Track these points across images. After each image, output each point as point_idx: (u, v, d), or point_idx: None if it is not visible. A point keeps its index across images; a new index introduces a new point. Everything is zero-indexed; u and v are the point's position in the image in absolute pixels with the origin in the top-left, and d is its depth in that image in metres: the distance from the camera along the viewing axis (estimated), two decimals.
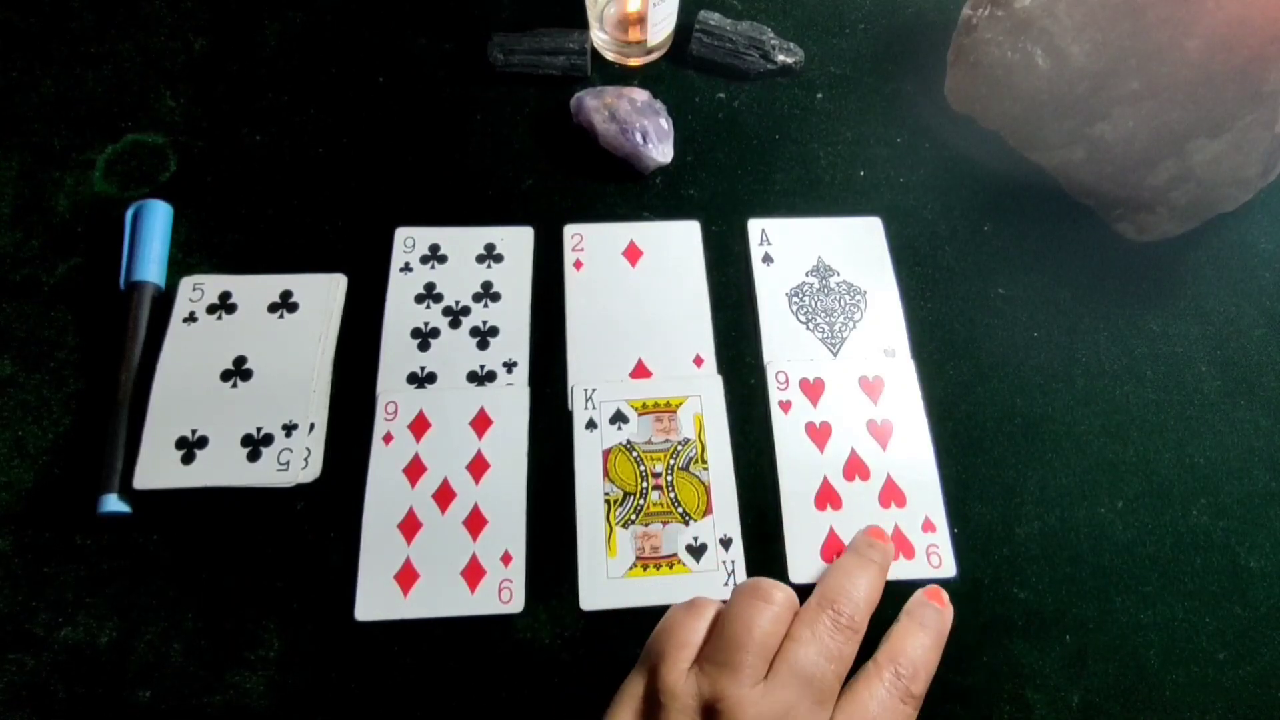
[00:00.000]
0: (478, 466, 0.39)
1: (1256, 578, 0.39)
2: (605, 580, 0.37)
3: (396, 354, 0.42)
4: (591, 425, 0.40)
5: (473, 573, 0.37)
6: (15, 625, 0.36)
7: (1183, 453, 0.42)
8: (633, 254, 0.45)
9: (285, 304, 0.43)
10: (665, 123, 0.48)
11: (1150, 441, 0.42)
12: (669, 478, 0.40)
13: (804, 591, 0.34)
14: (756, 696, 0.29)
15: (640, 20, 0.49)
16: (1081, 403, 0.43)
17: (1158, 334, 0.45)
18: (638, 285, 0.45)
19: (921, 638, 0.33)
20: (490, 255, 0.45)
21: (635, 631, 0.34)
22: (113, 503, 0.38)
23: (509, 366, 0.42)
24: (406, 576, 0.37)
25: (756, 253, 0.46)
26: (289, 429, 0.39)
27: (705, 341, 0.43)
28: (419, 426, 0.40)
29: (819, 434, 0.41)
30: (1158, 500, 0.41)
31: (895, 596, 0.36)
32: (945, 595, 0.36)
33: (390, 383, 0.41)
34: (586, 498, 0.39)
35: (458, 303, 0.43)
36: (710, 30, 0.51)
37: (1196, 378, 0.44)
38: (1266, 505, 0.41)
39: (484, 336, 0.43)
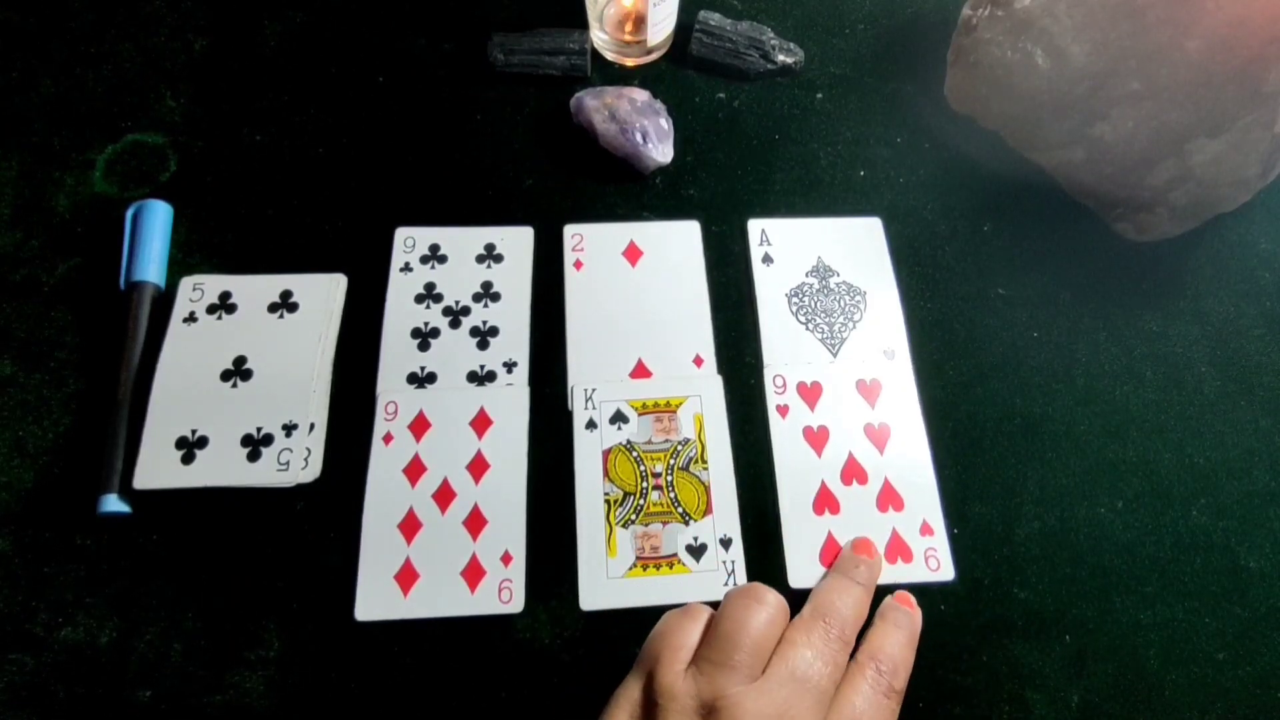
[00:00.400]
0: (478, 466, 0.39)
1: (1256, 578, 0.39)
2: (605, 580, 0.37)
3: (396, 354, 0.42)
4: (591, 425, 0.40)
5: (473, 573, 0.37)
6: (15, 625, 0.36)
7: (1183, 453, 0.42)
8: (633, 254, 0.45)
9: (285, 304, 0.43)
10: (665, 123, 0.48)
11: (1150, 441, 0.42)
12: (669, 478, 0.40)
13: (800, 598, 0.35)
14: (755, 694, 0.30)
15: (640, 20, 0.49)
16: (1081, 403, 0.43)
17: (1158, 334, 0.45)
18: (638, 285, 0.45)
19: (897, 636, 0.34)
20: (490, 255, 0.45)
21: (635, 631, 0.34)
22: (113, 503, 0.38)
23: (509, 366, 0.42)
24: (406, 576, 0.37)
25: (756, 253, 0.46)
26: (289, 429, 0.39)
27: (705, 342, 0.43)
28: (419, 426, 0.40)
29: (816, 438, 0.41)
30: (1158, 500, 0.41)
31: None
32: (914, 599, 0.37)
33: (390, 383, 0.41)
34: (586, 498, 0.39)
35: (458, 303, 0.43)
36: (710, 30, 0.51)
37: (1196, 378, 0.44)
38: (1266, 505, 0.41)
39: (484, 336, 0.43)
